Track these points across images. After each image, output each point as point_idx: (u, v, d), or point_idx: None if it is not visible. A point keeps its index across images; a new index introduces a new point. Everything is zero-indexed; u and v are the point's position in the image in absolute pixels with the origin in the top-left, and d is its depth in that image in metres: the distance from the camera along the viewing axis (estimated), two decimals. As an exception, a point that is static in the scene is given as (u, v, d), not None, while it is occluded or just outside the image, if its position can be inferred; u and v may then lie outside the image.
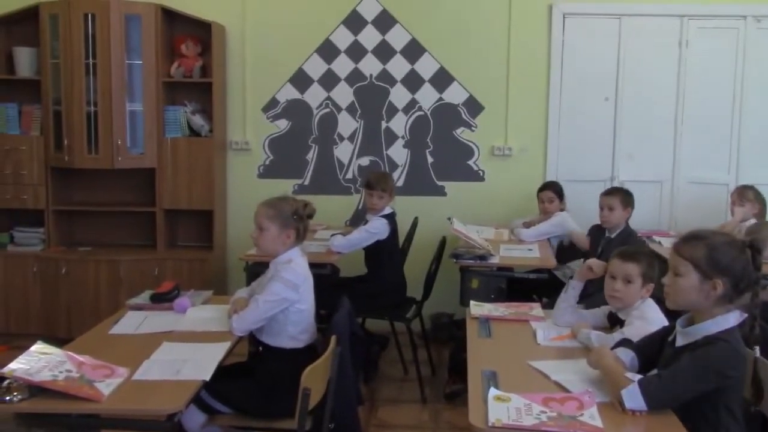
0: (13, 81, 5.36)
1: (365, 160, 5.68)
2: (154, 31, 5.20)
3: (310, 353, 2.88)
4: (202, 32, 5.36)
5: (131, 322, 3.12)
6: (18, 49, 5.33)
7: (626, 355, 2.37)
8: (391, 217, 4.55)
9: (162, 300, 3.32)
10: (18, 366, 2.35)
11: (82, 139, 5.14)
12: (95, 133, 5.14)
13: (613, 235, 4.38)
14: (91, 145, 5.15)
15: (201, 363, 2.61)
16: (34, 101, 5.30)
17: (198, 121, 5.39)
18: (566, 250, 4.92)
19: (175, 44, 5.43)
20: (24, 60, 5.32)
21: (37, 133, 5.29)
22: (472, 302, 3.30)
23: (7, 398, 2.26)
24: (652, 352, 2.36)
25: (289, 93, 5.65)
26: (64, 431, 2.48)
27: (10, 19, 5.32)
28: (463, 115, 5.59)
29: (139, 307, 3.31)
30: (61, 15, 5.08)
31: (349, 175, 5.69)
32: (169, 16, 5.34)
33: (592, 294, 3.30)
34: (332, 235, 4.55)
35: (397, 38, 5.56)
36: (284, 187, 5.40)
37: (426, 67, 5.57)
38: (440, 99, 5.60)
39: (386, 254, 4.54)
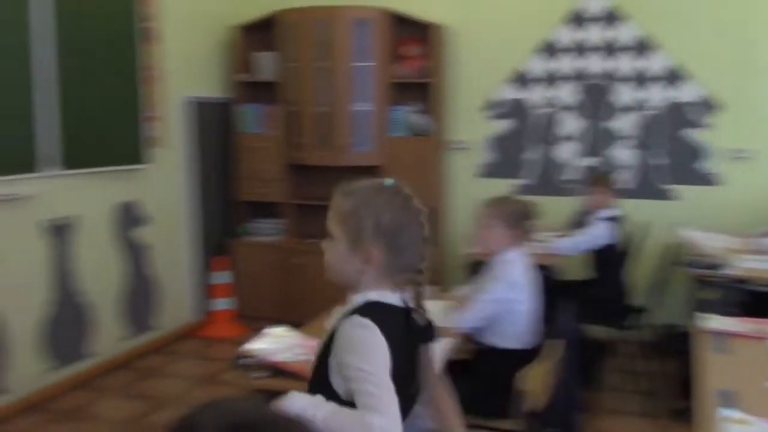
0: (255, 83, 5.82)
1: (587, 161, 5.49)
2: (382, 35, 5.40)
3: (531, 355, 2.83)
4: (423, 34, 5.48)
5: (357, 313, 3.26)
6: (258, 54, 5.78)
7: None
8: (615, 221, 4.36)
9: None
10: (258, 346, 2.55)
11: (314, 137, 5.47)
12: (326, 131, 5.44)
13: None
14: (322, 143, 5.47)
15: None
16: (274, 102, 5.70)
17: (419, 120, 5.52)
18: None
19: (398, 46, 5.60)
20: (264, 64, 5.75)
21: (277, 132, 5.70)
22: (703, 315, 3.08)
23: (256, 375, 2.46)
24: None
25: (508, 93, 5.61)
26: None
27: (250, 27, 5.78)
28: (698, 115, 5.22)
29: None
30: (296, 21, 5.43)
31: (570, 176, 5.53)
32: (393, 18, 5.51)
33: None
34: (554, 237, 4.45)
35: (623, 35, 5.31)
36: (503, 186, 5.39)
37: (656, 64, 5.26)
38: (672, 97, 5.26)
39: (610, 259, 4.37)
